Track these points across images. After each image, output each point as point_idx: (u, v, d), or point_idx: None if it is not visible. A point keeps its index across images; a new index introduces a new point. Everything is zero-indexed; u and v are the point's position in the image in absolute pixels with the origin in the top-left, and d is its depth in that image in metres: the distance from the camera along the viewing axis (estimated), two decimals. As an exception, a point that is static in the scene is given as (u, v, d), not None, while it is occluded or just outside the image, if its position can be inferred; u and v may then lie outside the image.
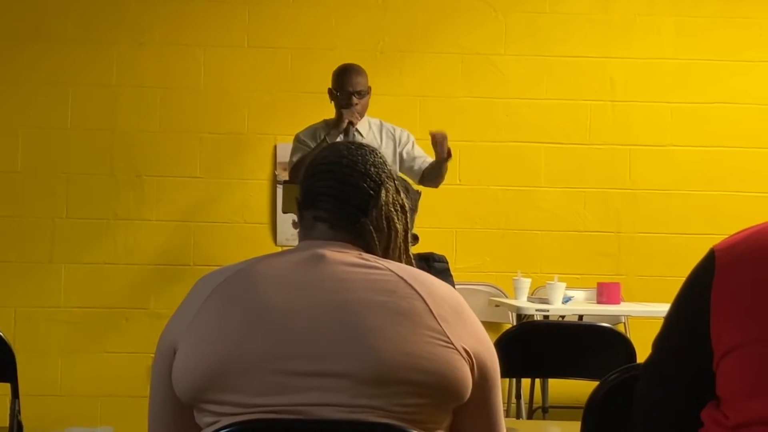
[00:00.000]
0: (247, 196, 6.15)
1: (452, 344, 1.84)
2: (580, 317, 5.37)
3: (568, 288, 5.35)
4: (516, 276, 5.51)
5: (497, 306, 5.77)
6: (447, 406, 1.86)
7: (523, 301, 5.42)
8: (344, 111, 5.36)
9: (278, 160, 6.12)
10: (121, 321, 6.06)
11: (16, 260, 6.05)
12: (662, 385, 1.84)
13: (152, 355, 1.94)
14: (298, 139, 5.45)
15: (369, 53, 6.10)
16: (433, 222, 5.86)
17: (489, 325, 5.64)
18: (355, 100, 5.35)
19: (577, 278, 5.87)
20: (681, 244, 6.01)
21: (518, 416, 5.14)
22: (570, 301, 5.34)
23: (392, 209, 2.01)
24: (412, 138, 5.54)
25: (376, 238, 1.98)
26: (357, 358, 1.79)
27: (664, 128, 6.26)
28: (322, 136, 5.35)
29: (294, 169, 5.32)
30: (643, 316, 5.49)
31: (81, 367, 6.02)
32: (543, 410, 5.46)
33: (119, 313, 6.07)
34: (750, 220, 1.96)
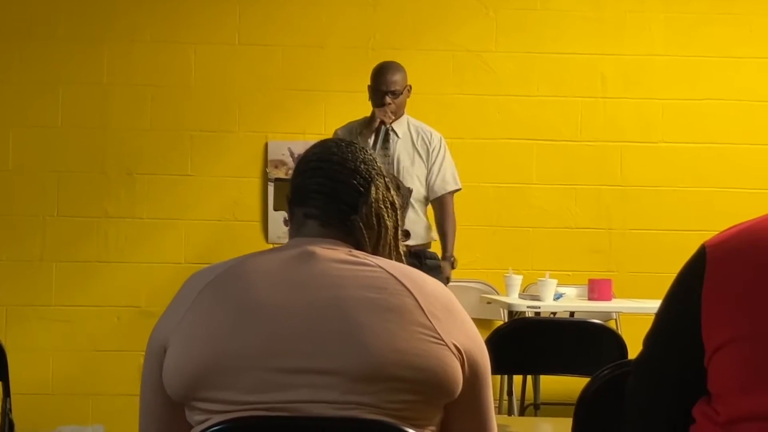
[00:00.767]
0: (239, 194, 6.13)
1: (443, 341, 1.84)
2: (572, 314, 5.37)
3: (559, 285, 5.35)
4: (507, 273, 5.52)
5: (489, 303, 5.77)
6: (438, 402, 1.85)
7: (514, 298, 5.43)
8: (376, 110, 5.35)
9: (269, 158, 6.11)
10: (112, 319, 6.05)
11: (6, 258, 6.04)
12: (653, 381, 1.84)
13: (143, 354, 1.94)
14: (335, 135, 5.44)
15: (360, 50, 6.10)
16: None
17: (480, 322, 5.64)
18: (388, 99, 5.34)
19: (569, 275, 5.87)
20: (672, 241, 6.01)
21: (510, 413, 5.16)
22: (561, 298, 5.35)
23: (382, 206, 2.00)
24: (442, 153, 5.48)
25: (366, 235, 1.98)
26: (347, 355, 1.79)
27: (655, 125, 6.26)
28: (361, 132, 5.33)
29: None
30: (634, 312, 5.49)
31: (72, 366, 6.01)
32: (535, 407, 5.47)
33: (110, 311, 6.05)
34: (741, 216, 1.97)
